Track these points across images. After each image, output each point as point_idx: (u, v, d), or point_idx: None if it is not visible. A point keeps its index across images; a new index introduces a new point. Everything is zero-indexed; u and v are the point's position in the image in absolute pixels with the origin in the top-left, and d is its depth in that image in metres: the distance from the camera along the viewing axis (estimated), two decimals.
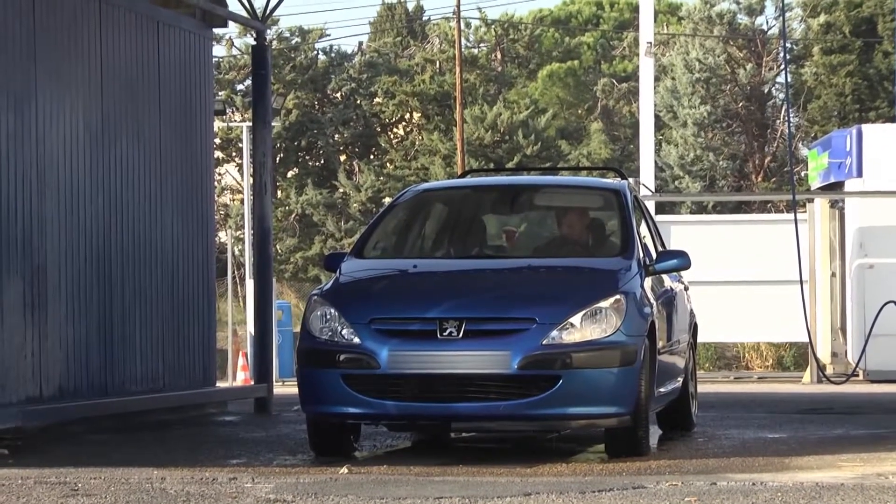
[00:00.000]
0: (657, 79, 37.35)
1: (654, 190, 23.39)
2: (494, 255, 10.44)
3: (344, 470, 8.63)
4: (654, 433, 10.88)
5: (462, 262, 10.19)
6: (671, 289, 10.88)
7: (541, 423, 9.38)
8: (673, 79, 43.20)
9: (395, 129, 52.08)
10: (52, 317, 11.63)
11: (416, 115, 51.27)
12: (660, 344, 9.94)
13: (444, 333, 9.08)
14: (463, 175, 14.06)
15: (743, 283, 21.48)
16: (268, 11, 14.94)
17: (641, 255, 10.00)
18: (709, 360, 30.52)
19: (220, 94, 45.55)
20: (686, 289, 11.65)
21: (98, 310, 12.33)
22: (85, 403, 11.89)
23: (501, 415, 9.09)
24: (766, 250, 21.32)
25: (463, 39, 48.09)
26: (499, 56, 53.99)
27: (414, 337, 9.16)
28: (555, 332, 9.08)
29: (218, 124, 42.40)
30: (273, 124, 21.08)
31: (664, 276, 10.68)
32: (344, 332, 9.24)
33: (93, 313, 12.25)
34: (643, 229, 10.64)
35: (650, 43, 23.11)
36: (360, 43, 54.61)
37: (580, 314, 9.16)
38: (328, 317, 9.33)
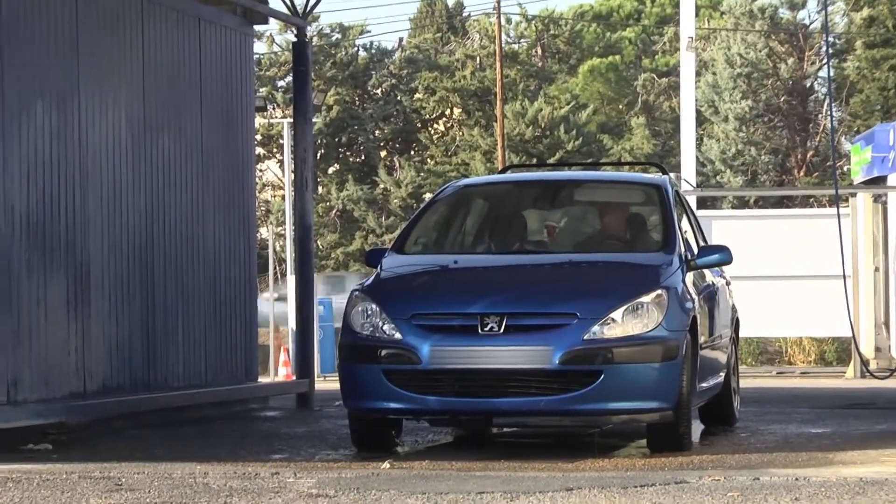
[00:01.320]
0: (698, 74, 37.22)
1: (695, 185, 23.32)
2: (535, 250, 10.40)
3: (386, 465, 8.65)
4: (697, 428, 10.84)
5: (503, 258, 10.18)
6: (713, 284, 10.83)
7: (582, 418, 9.38)
8: (714, 74, 43.04)
9: (435, 125, 52.09)
10: (96, 313, 11.70)
11: (456, 111, 51.26)
12: (701, 339, 9.91)
13: (486, 329, 9.08)
14: (503, 170, 14.02)
15: (785, 278, 21.40)
16: (308, 8, 14.97)
17: (683, 249, 9.97)
18: (751, 354, 30.38)
19: (261, 90, 45.66)
20: (728, 284, 11.61)
21: (141, 306, 12.39)
22: (128, 399, 11.95)
23: (543, 410, 9.10)
24: (808, 245, 21.23)
25: (503, 35, 48.04)
26: (539, 51, 53.92)
27: (455, 332, 9.17)
28: (596, 327, 9.07)
29: (259, 121, 42.52)
30: (314, 120, 21.13)
31: (706, 272, 10.63)
32: (385, 327, 9.26)
33: (135, 310, 12.30)
34: (684, 224, 10.60)
35: (691, 38, 23.04)
36: (401, 39, 54.65)
37: (622, 309, 9.15)
38: (369, 312, 9.35)
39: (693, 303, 9.64)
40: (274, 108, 47.55)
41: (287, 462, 9.07)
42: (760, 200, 36.51)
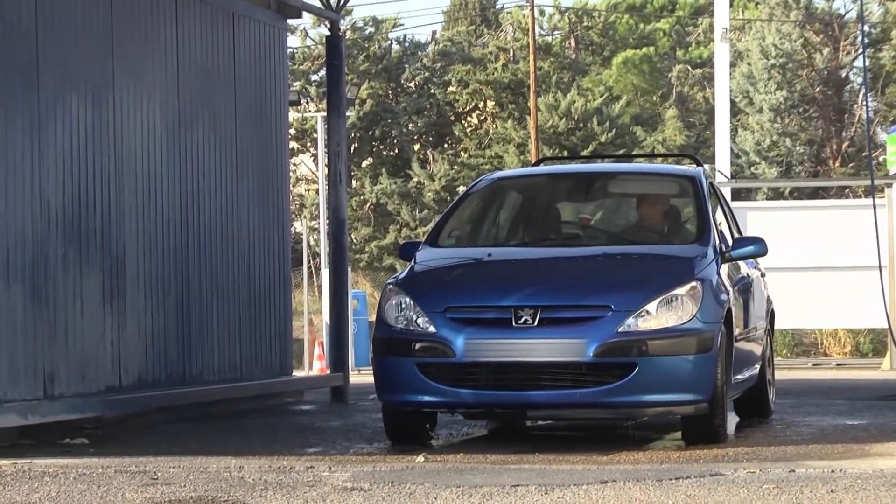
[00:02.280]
0: (733, 64, 37.10)
1: (730, 176, 23.25)
2: (569, 243, 10.35)
3: (420, 458, 8.66)
4: (732, 420, 10.82)
5: (536, 251, 10.14)
6: (748, 276, 10.80)
7: (617, 410, 9.31)
8: (749, 64, 42.88)
9: (468, 118, 52.07)
10: (131, 307, 11.74)
11: (489, 104, 51.23)
12: (736, 331, 9.86)
13: (520, 321, 9.06)
14: (537, 163, 13.99)
15: (821, 270, 21.33)
16: (342, 2, 14.98)
17: (717, 241, 9.93)
18: (786, 346, 30.30)
19: (294, 84, 45.73)
20: (763, 276, 11.56)
21: (176, 300, 12.43)
22: (163, 393, 12.00)
23: (577, 402, 9.06)
24: (843, 236, 21.16)
25: (536, 27, 47.97)
26: (573, 43, 53.83)
27: (489, 325, 9.14)
28: (630, 320, 9.04)
29: (293, 115, 42.57)
30: (347, 114, 21.15)
31: (741, 263, 10.60)
32: (419, 320, 9.25)
33: (171, 304, 12.35)
34: (719, 216, 10.56)
35: (726, 28, 22.95)
36: (434, 32, 54.64)
37: (656, 301, 9.11)
38: (403, 305, 9.34)
39: (728, 295, 9.60)
40: (308, 102, 47.62)
41: (322, 456, 9.09)
42: (795, 191, 36.36)
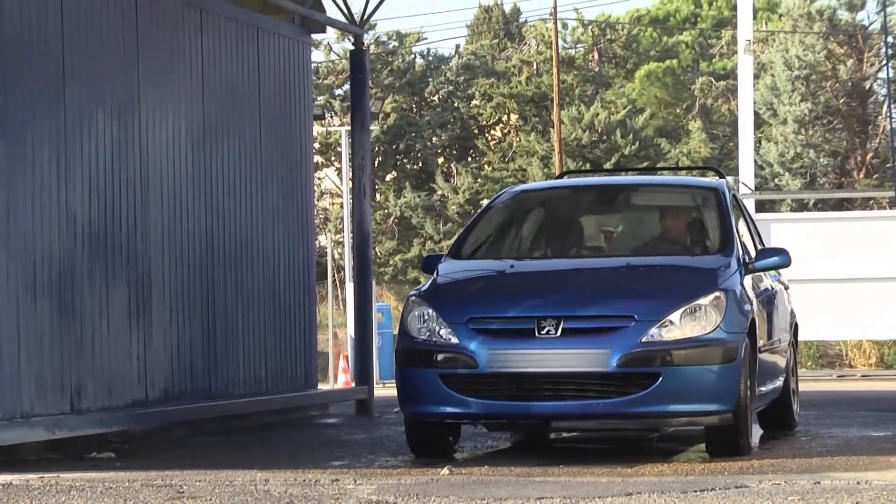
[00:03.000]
0: (756, 76, 37.03)
1: (754, 188, 23.21)
2: (592, 254, 10.34)
3: (445, 471, 8.66)
4: (756, 432, 10.79)
5: (559, 262, 10.12)
6: (771, 287, 10.74)
7: (641, 420, 9.23)
8: (772, 76, 42.82)
9: (492, 131, 52.08)
10: (157, 322, 11.78)
11: (513, 117, 51.24)
12: (760, 342, 9.81)
13: (543, 332, 9.01)
14: (560, 176, 13.93)
15: (845, 281, 21.25)
16: (365, 16, 15.02)
17: (741, 252, 9.89)
18: (811, 358, 30.20)
19: (318, 98, 45.82)
20: (786, 288, 11.51)
21: (201, 314, 12.46)
22: (189, 407, 12.03)
23: (601, 413, 9.01)
24: (868, 247, 21.07)
25: (560, 40, 47.98)
26: (596, 56, 53.82)
27: (512, 336, 9.10)
28: (654, 330, 8.98)
29: (317, 129, 42.64)
30: (371, 128, 21.19)
31: (764, 276, 10.54)
32: (442, 331, 9.20)
33: (196, 318, 12.38)
34: (742, 228, 10.52)
35: (749, 40, 22.92)
36: (458, 46, 54.73)
37: (679, 311, 9.07)
38: (426, 317, 9.30)
39: (751, 305, 9.55)
40: (332, 117, 47.70)
41: (347, 469, 9.10)
42: (819, 203, 36.27)
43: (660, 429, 10.15)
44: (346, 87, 46.47)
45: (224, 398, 12.63)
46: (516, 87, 49.83)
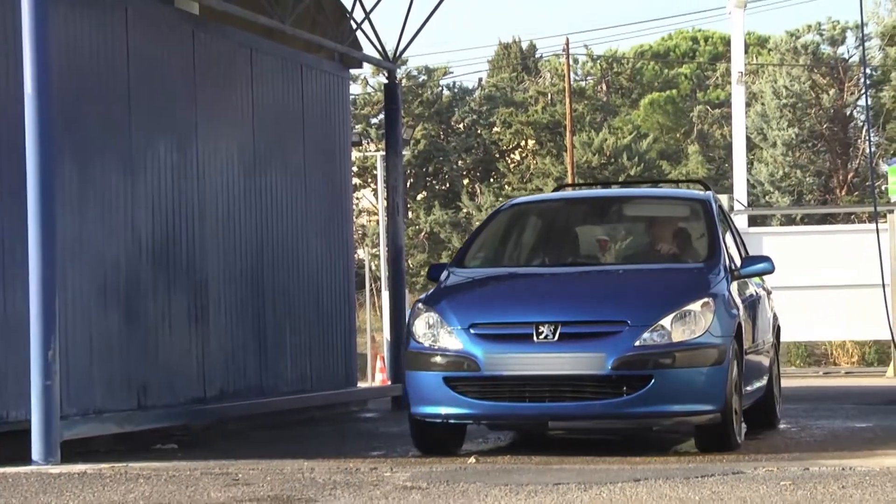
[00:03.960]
0: (748, 104, 36.93)
1: (746, 204, 23.12)
2: (587, 262, 10.00)
3: (472, 460, 8.63)
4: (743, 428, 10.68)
5: (556, 270, 9.75)
6: (755, 293, 10.43)
7: (634, 420, 8.86)
8: (762, 104, 42.70)
9: (511, 155, 52.05)
10: (213, 326, 11.79)
11: (530, 142, 51.20)
12: (746, 344, 9.52)
13: (541, 337, 8.69)
14: (557, 189, 13.04)
15: (830, 288, 21.14)
16: (398, 53, 15.03)
17: (727, 260, 9.58)
18: (799, 356, 30.03)
19: (356, 127, 45.84)
20: (769, 293, 11.16)
21: (253, 320, 12.47)
22: (243, 403, 12.03)
23: (596, 414, 8.69)
24: (850, 257, 20.96)
25: (571, 73, 47.91)
26: (604, 87, 53.74)
27: (512, 340, 8.77)
28: (646, 334, 8.66)
29: (355, 154, 42.67)
30: (403, 153, 21.18)
31: (749, 282, 10.22)
32: (445, 336, 8.87)
33: (248, 323, 12.39)
34: (727, 237, 10.19)
35: (741, 72, 22.86)
36: (480, 79, 54.68)
37: (670, 316, 8.73)
38: (431, 322, 8.97)
39: (738, 310, 9.25)
40: (368, 143, 47.71)
41: (384, 458, 9.08)
42: (806, 218, 36.11)
43: (652, 426, 9.85)
44: (381, 116, 46.50)
45: (274, 395, 12.63)
46: (533, 115, 49.78)
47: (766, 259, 9.90)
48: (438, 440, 9.23)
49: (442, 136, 50.87)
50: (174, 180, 11.34)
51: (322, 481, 7.61)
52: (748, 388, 9.71)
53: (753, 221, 27.72)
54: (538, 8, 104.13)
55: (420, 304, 9.20)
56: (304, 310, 13.39)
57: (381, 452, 9.52)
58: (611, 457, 8.81)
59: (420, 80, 51.16)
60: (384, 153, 17.36)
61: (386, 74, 15.26)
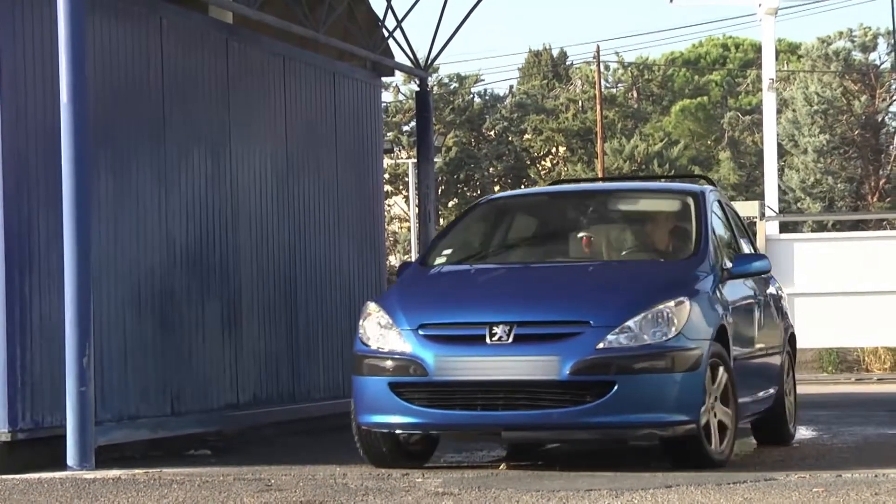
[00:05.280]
0: (779, 111, 36.80)
1: (778, 211, 23.03)
2: (561, 260, 9.01)
3: (503, 466, 8.61)
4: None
5: (523, 267, 8.82)
6: (758, 295, 9.51)
7: (597, 431, 7.93)
8: (794, 111, 42.55)
9: (542, 162, 52.02)
10: (247, 333, 11.82)
11: (561, 149, 51.15)
12: (739, 350, 8.67)
13: (494, 338, 7.81)
14: (553, 184, 12.21)
15: (861, 294, 21.02)
16: (429, 61, 15.04)
17: (716, 258, 8.70)
18: (831, 363, 29.89)
19: (388, 134, 45.93)
20: (780, 297, 10.28)
21: (286, 326, 12.49)
22: (276, 409, 12.05)
23: (554, 423, 7.80)
24: (882, 263, 20.85)
25: (602, 80, 47.85)
26: (635, 94, 53.64)
27: (463, 342, 7.90)
28: (610, 336, 7.76)
29: (387, 161, 42.73)
30: (435, 160, 21.18)
31: (748, 283, 9.32)
32: (394, 338, 8.03)
33: (281, 330, 12.41)
34: (724, 233, 9.32)
35: (772, 79, 22.79)
36: (511, 86, 54.69)
37: (639, 317, 7.84)
38: (381, 323, 8.15)
39: (723, 312, 8.36)
40: (400, 150, 47.78)
41: (416, 464, 9.06)
42: (838, 224, 35.94)
43: (621, 438, 8.91)
44: (413, 123, 46.58)
45: (306, 401, 12.65)
46: (564, 122, 49.72)
47: (760, 257, 9.15)
48: (390, 451, 8.40)
49: (473, 144, 50.88)
50: (208, 188, 11.38)
51: (354, 487, 7.61)
52: (745, 399, 8.79)
53: (785, 228, 27.59)
54: (569, 16, 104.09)
55: (371, 304, 8.37)
56: (337, 317, 13.41)
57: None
58: (644, 463, 8.75)
59: (451, 87, 51.18)
60: (416, 160, 17.37)
61: (417, 82, 15.27)
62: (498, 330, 7.82)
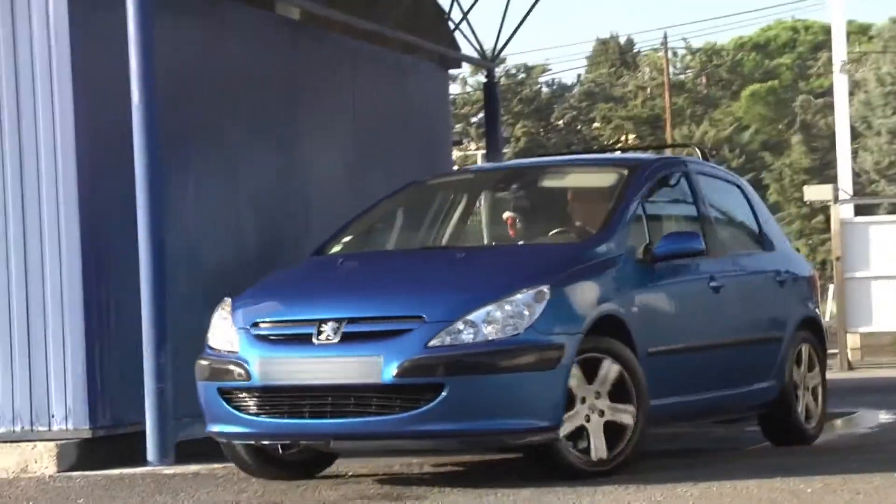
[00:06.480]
0: (851, 93, 36.38)
1: (852, 194, 22.80)
2: (446, 245, 8.08)
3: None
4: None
5: (388, 257, 8.00)
6: (724, 277, 8.17)
7: (429, 441, 6.87)
8: (866, 92, 42.13)
9: (612, 151, 51.88)
10: None
11: (630, 137, 50.96)
12: (661, 344, 7.51)
13: (321, 337, 6.90)
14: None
15: None
16: (496, 52, 15.04)
17: (628, 238, 7.57)
18: None
19: (456, 126, 45.98)
20: (798, 279, 8.97)
21: None
22: None
23: (382, 433, 6.82)
24: None
25: (670, 67, 47.58)
26: (704, 80, 53.30)
27: (290, 342, 7.02)
28: (445, 332, 6.76)
29: (456, 153, 42.78)
30: (504, 151, 21.18)
31: (733, 264, 8.33)
32: (229, 337, 7.25)
33: None
34: (681, 212, 8.23)
35: (844, 61, 22.56)
36: (579, 75, 54.58)
37: (484, 309, 6.82)
38: (222, 319, 7.42)
39: (621, 299, 7.25)
40: (469, 142, 47.82)
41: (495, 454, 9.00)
42: None
43: (463, 448, 7.41)
44: (481, 115, 46.60)
45: None
46: (632, 110, 49.54)
47: (687, 236, 7.79)
48: (263, 461, 7.58)
49: (542, 133, 50.81)
50: (278, 185, 11.45)
51: (430, 478, 7.63)
52: (668, 401, 7.55)
53: (859, 210, 27.32)
54: (635, 3, 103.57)
55: (227, 297, 7.61)
56: None
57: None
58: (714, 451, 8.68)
59: (519, 77, 51.14)
60: (485, 152, 17.38)
61: (485, 73, 15.26)
62: (326, 328, 6.90)
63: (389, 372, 6.70)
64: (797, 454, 8.31)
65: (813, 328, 9.03)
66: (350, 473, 7.99)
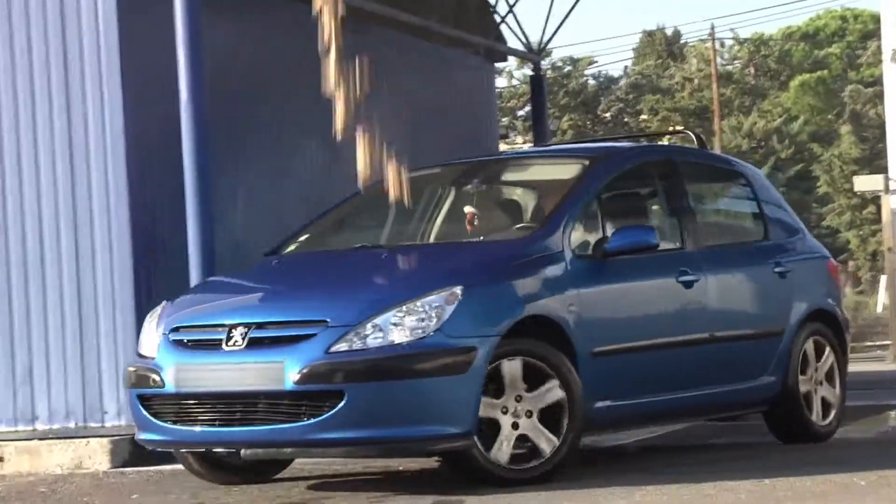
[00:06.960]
0: None
1: None
2: (381, 245, 7.83)
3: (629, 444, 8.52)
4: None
5: (329, 256, 7.73)
6: (698, 271, 7.73)
7: (337, 450, 6.64)
8: None
9: (660, 142, 51.74)
10: None
11: (678, 129, 50.83)
12: (613, 343, 7.16)
13: (230, 343, 6.74)
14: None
15: None
16: (542, 45, 15.02)
17: (571, 233, 7.20)
18: None
19: (503, 119, 46.00)
20: (783, 273, 8.34)
21: None
22: None
23: (291, 440, 6.60)
24: None
25: (718, 58, 47.38)
26: (752, 71, 53.04)
27: (200, 348, 6.89)
28: (348, 336, 6.54)
29: (503, 146, 42.81)
30: (550, 144, 21.16)
31: (734, 255, 8.06)
32: (151, 342, 7.12)
33: None
34: (662, 203, 7.91)
35: (894, 50, 22.39)
36: (625, 67, 54.46)
37: (391, 312, 6.57)
38: (150, 324, 7.28)
39: (561, 299, 6.94)
40: (515, 135, 47.81)
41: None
42: None
43: (377, 455, 7.16)
44: (527, 108, 46.57)
45: None
46: (680, 101, 49.36)
47: (641, 230, 7.37)
48: (211, 466, 7.42)
49: (589, 126, 50.73)
50: (324, 179, 11.49)
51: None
52: (614, 403, 7.18)
53: None
54: None
55: (163, 302, 7.46)
56: None
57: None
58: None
59: (565, 70, 51.07)
60: (532, 145, 17.37)
61: (531, 66, 15.26)
62: (235, 333, 6.74)
63: (291, 378, 6.50)
64: (854, 446, 8.26)
65: (827, 320, 8.50)
66: (402, 468, 8.02)
